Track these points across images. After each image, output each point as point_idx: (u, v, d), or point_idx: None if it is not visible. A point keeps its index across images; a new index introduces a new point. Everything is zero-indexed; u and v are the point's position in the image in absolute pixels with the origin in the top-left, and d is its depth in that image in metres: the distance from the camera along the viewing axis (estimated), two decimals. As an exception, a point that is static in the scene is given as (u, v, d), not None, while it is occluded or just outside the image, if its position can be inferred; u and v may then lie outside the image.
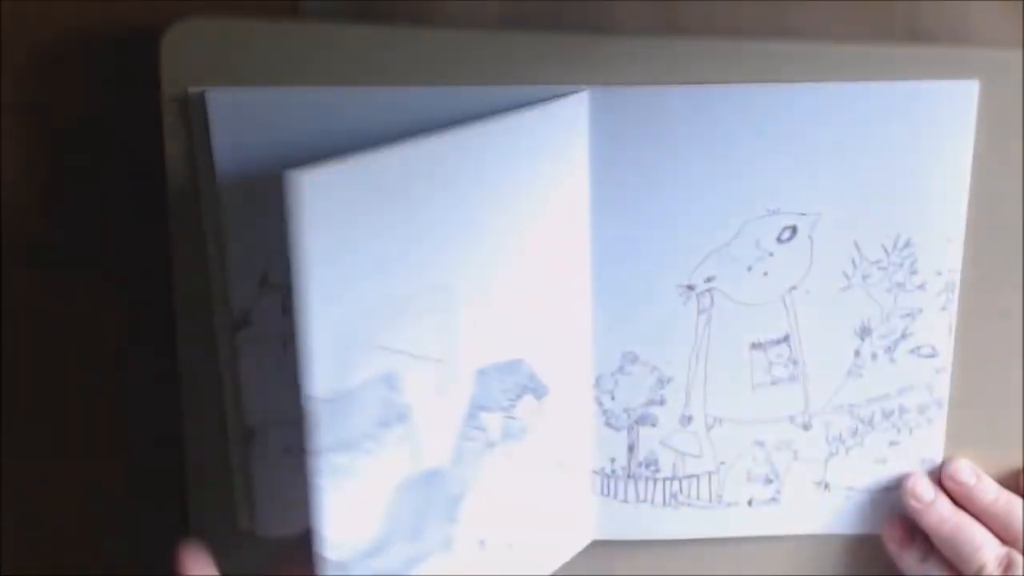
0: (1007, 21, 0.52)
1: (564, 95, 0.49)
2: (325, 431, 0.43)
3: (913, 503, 0.54)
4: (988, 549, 0.52)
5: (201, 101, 0.49)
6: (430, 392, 0.46)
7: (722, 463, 0.54)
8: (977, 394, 0.54)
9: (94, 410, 0.58)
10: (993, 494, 0.54)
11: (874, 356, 0.53)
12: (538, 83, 0.49)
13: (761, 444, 0.54)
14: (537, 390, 0.51)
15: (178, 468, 0.55)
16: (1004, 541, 0.53)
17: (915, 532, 0.55)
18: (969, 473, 0.54)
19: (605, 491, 0.55)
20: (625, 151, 0.50)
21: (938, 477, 0.55)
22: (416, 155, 0.46)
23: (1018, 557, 0.52)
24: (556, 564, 0.55)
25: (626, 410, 0.54)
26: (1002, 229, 0.52)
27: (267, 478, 0.54)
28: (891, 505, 0.55)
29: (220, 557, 0.56)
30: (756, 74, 0.49)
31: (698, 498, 0.55)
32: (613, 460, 0.54)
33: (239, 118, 0.49)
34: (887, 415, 0.54)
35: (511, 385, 0.50)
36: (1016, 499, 0.54)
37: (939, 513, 0.54)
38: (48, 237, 0.55)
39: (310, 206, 0.41)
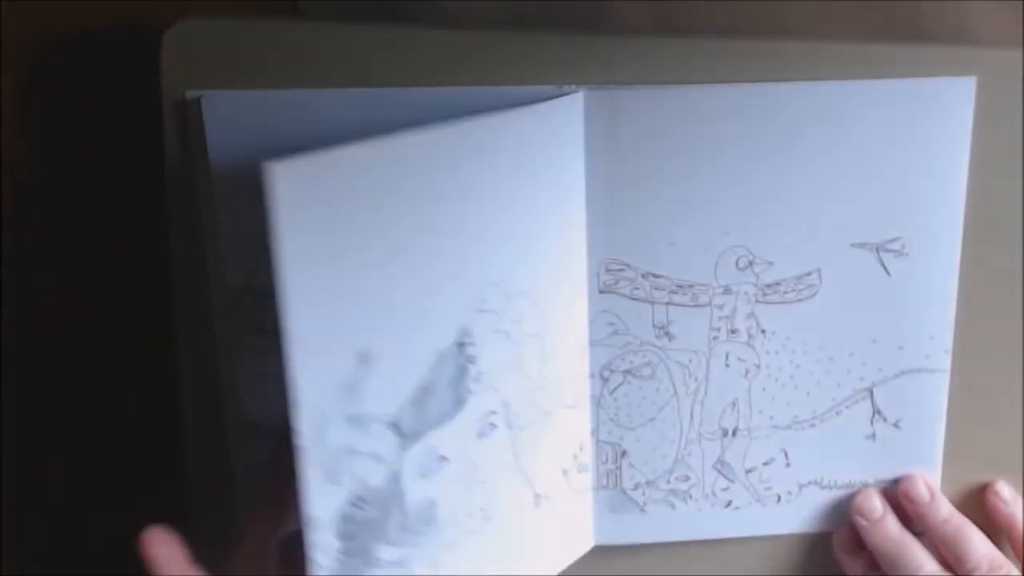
0: (1007, 21, 0.52)
1: (559, 95, 0.49)
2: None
3: (860, 520, 0.54)
4: (926, 572, 0.52)
5: (197, 105, 0.49)
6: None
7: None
8: (977, 395, 0.54)
9: (94, 410, 0.58)
10: (945, 514, 0.53)
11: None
12: (538, 83, 0.49)
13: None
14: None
15: (178, 468, 0.55)
16: (947, 564, 0.53)
17: (863, 543, 0.54)
18: (923, 491, 0.54)
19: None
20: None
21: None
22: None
23: None
24: (557, 568, 0.55)
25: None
26: (1002, 229, 0.52)
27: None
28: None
29: (220, 558, 0.56)
30: (755, 74, 0.50)
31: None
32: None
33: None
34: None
35: None
36: (966, 523, 0.53)
37: (884, 532, 0.53)
38: (48, 236, 0.56)
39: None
